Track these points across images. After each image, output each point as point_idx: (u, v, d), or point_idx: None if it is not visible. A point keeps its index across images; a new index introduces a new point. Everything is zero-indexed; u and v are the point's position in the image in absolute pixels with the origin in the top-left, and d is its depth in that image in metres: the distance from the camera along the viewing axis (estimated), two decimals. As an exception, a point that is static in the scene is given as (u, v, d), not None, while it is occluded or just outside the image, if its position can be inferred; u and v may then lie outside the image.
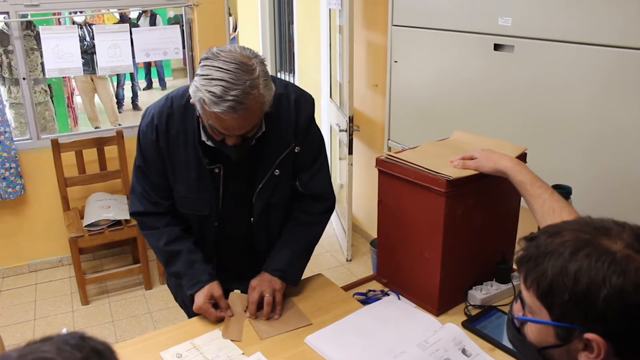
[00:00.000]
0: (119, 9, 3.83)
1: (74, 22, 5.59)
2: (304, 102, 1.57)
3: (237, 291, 1.60)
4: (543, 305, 0.84)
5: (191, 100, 1.37)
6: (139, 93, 8.26)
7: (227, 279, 1.63)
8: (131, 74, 7.91)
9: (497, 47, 2.21)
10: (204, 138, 1.47)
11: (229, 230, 1.65)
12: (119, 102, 7.73)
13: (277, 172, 1.55)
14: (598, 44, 1.84)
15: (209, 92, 1.27)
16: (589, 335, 0.78)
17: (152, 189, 1.58)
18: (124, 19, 7.07)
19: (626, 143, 1.82)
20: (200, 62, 1.34)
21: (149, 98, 8.23)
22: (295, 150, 1.56)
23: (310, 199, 1.66)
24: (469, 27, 2.33)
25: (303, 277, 1.69)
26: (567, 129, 2.00)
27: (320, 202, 1.68)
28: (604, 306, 0.76)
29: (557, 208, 1.26)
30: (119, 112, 8.05)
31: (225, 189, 1.56)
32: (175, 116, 1.50)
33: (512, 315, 0.95)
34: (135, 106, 8.04)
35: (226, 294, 1.58)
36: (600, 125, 1.88)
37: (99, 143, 3.41)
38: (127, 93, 8.67)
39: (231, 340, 1.42)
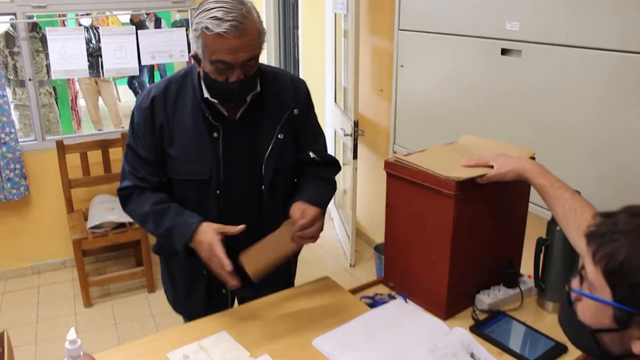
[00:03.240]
0: (126, 11, 3.84)
1: (80, 25, 5.61)
2: (299, 80, 1.71)
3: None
4: (608, 283, 0.80)
5: (192, 53, 1.48)
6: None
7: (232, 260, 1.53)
8: (138, 77, 7.96)
9: (504, 51, 2.21)
10: (206, 95, 1.53)
11: (234, 200, 1.61)
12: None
13: (280, 136, 1.60)
14: (604, 49, 1.84)
15: (210, 17, 1.38)
16: None
17: (140, 165, 1.58)
18: (134, 22, 7.10)
19: (632, 147, 1.81)
20: (198, 7, 1.45)
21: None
22: (295, 112, 1.62)
23: (325, 166, 1.75)
24: (476, 32, 2.33)
25: (309, 280, 1.68)
26: (573, 133, 2.00)
27: (334, 167, 1.79)
28: None
29: (578, 208, 1.24)
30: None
31: (226, 155, 1.57)
32: (172, 86, 1.57)
33: (569, 288, 0.90)
34: None
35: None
36: (607, 129, 1.88)
37: (104, 145, 3.41)
38: (130, 96, 8.72)
39: (243, 267, 1.41)
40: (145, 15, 6.75)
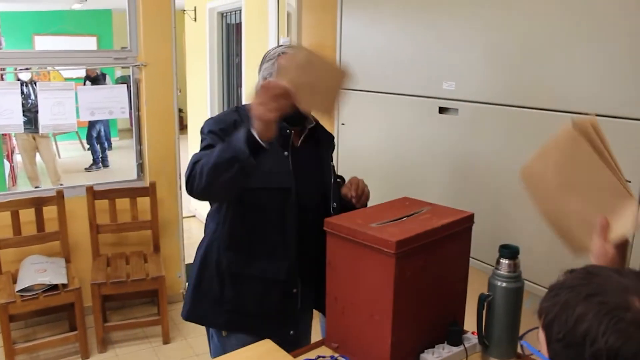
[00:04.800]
0: (67, 67, 3.77)
1: (18, 79, 5.48)
2: None
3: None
4: (545, 337, 0.79)
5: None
6: (82, 153, 8.15)
7: (305, 275, 1.83)
8: (98, 132, 7.87)
9: (442, 110, 2.27)
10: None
11: (307, 210, 1.81)
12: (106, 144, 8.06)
13: (332, 163, 1.98)
14: (533, 107, 1.91)
15: (283, 48, 1.80)
16: None
17: None
18: (90, 77, 7.02)
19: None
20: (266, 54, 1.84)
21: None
22: (334, 144, 2.07)
23: None
24: (415, 91, 2.39)
25: (247, 344, 1.64)
26: (511, 189, 2.04)
27: None
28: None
29: None
30: (109, 150, 8.10)
31: (295, 170, 1.79)
32: (241, 118, 1.75)
33: (521, 345, 0.91)
34: (104, 162, 7.96)
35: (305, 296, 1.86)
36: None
37: (37, 203, 3.27)
38: (70, 152, 8.52)
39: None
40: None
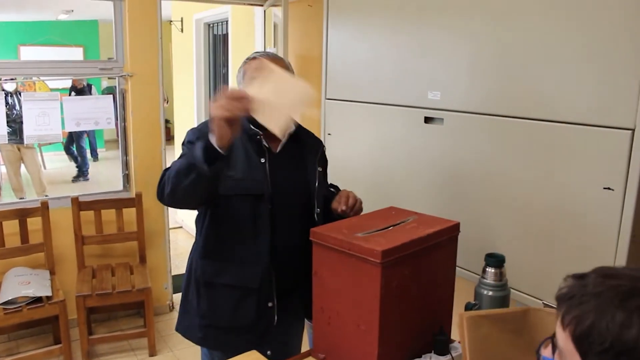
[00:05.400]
0: (53, 77, 3.75)
1: (3, 90, 5.43)
2: None
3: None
4: (577, 349, 0.74)
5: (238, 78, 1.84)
6: (68, 164, 8.07)
7: (286, 286, 1.82)
8: (77, 143, 7.82)
9: (427, 120, 2.28)
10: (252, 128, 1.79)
11: (284, 217, 1.80)
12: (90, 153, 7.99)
13: (320, 169, 1.92)
14: (519, 117, 1.93)
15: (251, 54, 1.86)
16: None
17: None
18: (76, 88, 6.98)
19: (552, 209, 1.88)
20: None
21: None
22: (324, 150, 2.00)
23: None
24: (400, 101, 2.40)
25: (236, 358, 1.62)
26: (497, 198, 2.05)
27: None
28: None
29: None
30: (95, 161, 8.03)
31: (273, 177, 1.79)
32: None
33: (538, 356, 0.84)
34: (84, 174, 7.91)
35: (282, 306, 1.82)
36: (528, 192, 1.95)
37: (22, 214, 3.23)
38: (56, 164, 8.44)
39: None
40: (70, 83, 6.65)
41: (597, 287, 0.75)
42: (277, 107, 1.52)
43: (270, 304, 1.80)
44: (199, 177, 1.52)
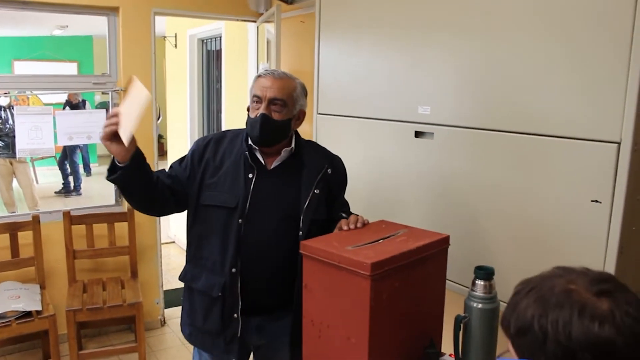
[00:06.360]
0: (46, 91, 3.76)
1: (-5, 105, 5.44)
2: (336, 155, 2.07)
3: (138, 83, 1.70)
4: (510, 340, 0.91)
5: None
6: (61, 179, 8.02)
7: (252, 298, 1.85)
8: (70, 158, 7.80)
9: (417, 134, 2.30)
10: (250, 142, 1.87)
11: (255, 232, 1.82)
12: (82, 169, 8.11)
13: (317, 191, 1.88)
14: (508, 131, 1.95)
15: (263, 70, 1.92)
16: None
17: (164, 172, 1.92)
18: (71, 103, 6.98)
19: (541, 222, 1.89)
20: None
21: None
22: (329, 172, 1.95)
23: None
24: (391, 116, 2.42)
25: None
26: (486, 211, 2.07)
27: None
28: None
29: None
30: (88, 175, 8.17)
31: (256, 193, 1.83)
32: (228, 134, 1.96)
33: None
34: (76, 189, 7.85)
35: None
36: (517, 205, 1.96)
37: (12, 228, 3.22)
38: (48, 178, 8.41)
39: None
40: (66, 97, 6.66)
41: (517, 288, 0.97)
42: (127, 116, 1.63)
43: (235, 315, 1.86)
44: (120, 188, 1.80)
